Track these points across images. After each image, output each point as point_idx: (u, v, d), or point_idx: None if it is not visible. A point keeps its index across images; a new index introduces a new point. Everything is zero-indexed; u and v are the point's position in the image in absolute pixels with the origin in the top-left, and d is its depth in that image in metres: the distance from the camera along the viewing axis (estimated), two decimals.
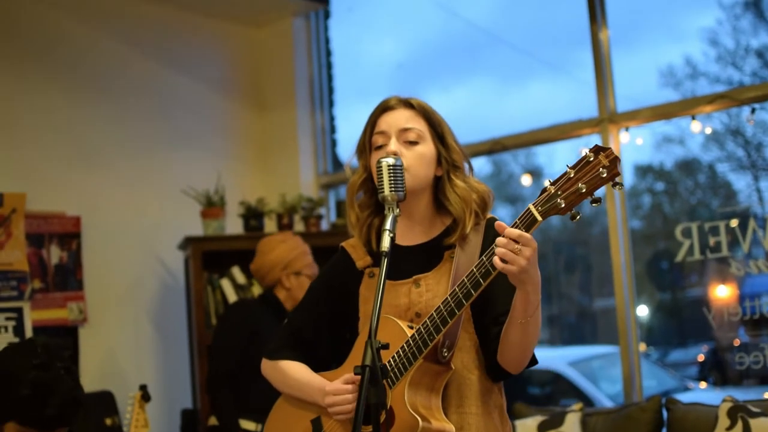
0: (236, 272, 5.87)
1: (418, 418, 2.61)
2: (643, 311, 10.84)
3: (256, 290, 5.84)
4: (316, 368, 2.98)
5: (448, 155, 2.90)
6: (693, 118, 5.40)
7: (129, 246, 6.09)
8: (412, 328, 2.71)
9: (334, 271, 3.08)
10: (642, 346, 10.74)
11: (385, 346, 2.40)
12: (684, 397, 5.27)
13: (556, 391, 9.30)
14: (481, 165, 6.23)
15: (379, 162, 2.68)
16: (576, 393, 8.91)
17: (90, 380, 5.80)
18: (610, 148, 2.36)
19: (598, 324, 10.62)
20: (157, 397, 5.92)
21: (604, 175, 2.34)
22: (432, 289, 2.79)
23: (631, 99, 5.70)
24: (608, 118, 5.59)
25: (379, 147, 2.87)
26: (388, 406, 2.68)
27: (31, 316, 5.58)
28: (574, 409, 5.33)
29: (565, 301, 13.19)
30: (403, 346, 2.68)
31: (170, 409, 6.06)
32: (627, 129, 5.59)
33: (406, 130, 2.86)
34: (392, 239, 2.56)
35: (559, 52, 8.27)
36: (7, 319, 5.48)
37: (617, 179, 2.35)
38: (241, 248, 5.87)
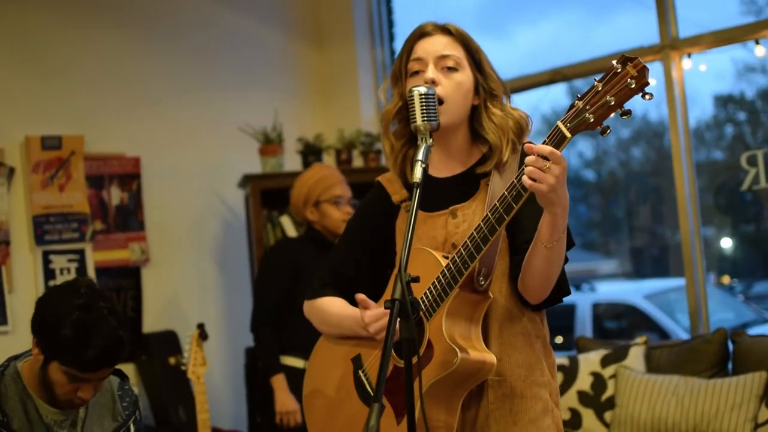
0: None
1: (456, 349, 2.54)
2: (726, 243, 10.65)
3: None
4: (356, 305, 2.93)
5: (486, 83, 2.80)
6: (757, 42, 5.21)
7: (189, 185, 6.09)
8: (447, 258, 2.64)
9: (371, 207, 3.02)
10: (725, 279, 10.59)
11: (415, 279, 2.32)
12: (760, 330, 5.14)
13: (631, 325, 9.21)
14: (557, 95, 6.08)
15: (410, 91, 2.60)
16: (652, 326, 8.81)
17: (153, 320, 5.85)
18: (637, 57, 2.26)
19: (680, 256, 10.46)
20: (221, 336, 5.97)
21: (633, 86, 2.25)
22: (469, 219, 2.71)
23: (694, 23, 5.51)
24: (669, 44, 5.42)
25: (415, 73, 2.78)
26: (427, 339, 2.63)
27: (93, 258, 5.65)
28: (638, 343, 5.25)
29: (645, 233, 13.01)
30: (438, 276, 2.61)
31: (234, 347, 6.09)
32: (689, 55, 5.41)
33: (444, 56, 2.76)
34: (425, 170, 2.49)
35: None
36: (70, 260, 5.55)
37: (646, 89, 2.25)
38: None
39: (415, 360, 2.30)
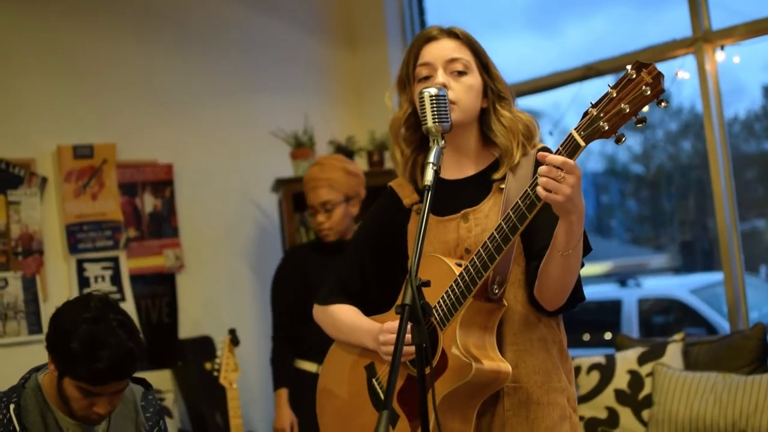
0: None
1: (471, 362, 2.52)
2: None
3: None
4: (370, 312, 2.91)
5: (494, 85, 2.78)
6: None
7: (222, 191, 6.09)
8: (460, 266, 2.61)
9: (382, 211, 3.00)
10: None
11: (426, 284, 2.29)
12: None
13: (677, 320, 9.11)
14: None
15: (421, 93, 2.58)
16: (698, 320, 8.70)
17: (189, 326, 5.86)
18: (652, 63, 2.23)
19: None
20: (256, 341, 5.95)
21: (648, 93, 2.21)
22: (481, 224, 2.68)
23: (727, 13, 5.41)
24: (702, 36, 5.32)
25: (425, 78, 2.76)
26: (441, 349, 2.60)
27: (128, 265, 5.67)
28: (676, 339, 5.18)
29: (695, 227, 12.88)
30: (452, 285, 2.59)
31: (269, 351, 6.06)
32: (722, 48, 5.32)
33: (453, 60, 2.74)
34: (436, 172, 2.46)
35: None
36: (104, 268, 5.57)
37: (662, 96, 2.21)
38: None
39: (428, 369, 2.27)
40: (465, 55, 2.75)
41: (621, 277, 10.46)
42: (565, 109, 6.24)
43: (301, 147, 5.86)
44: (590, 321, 8.73)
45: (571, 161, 2.30)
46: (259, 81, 6.35)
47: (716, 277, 9.97)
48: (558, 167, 2.30)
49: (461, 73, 2.72)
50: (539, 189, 2.33)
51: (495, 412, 2.67)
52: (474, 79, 2.74)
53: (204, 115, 6.09)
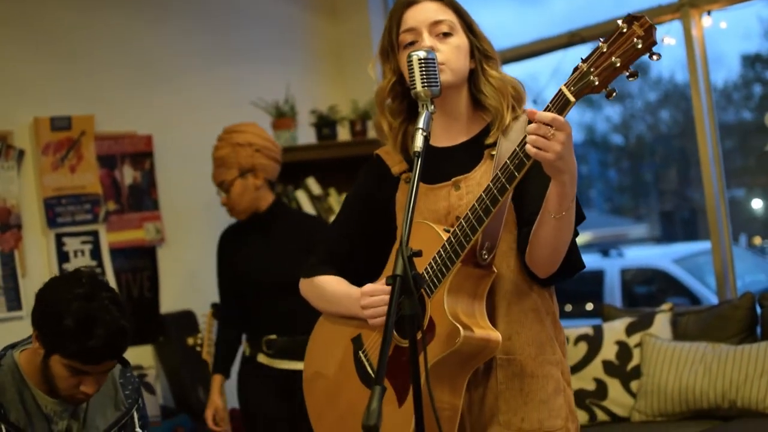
0: (311, 183, 5.75)
1: (459, 327, 2.44)
2: (757, 204, 10.53)
3: (333, 200, 5.72)
4: (357, 284, 2.81)
5: (480, 45, 2.70)
6: None
7: (203, 162, 5.94)
8: (448, 231, 2.54)
9: (369, 180, 2.91)
10: (757, 240, 10.47)
11: (417, 253, 2.23)
12: None
13: (660, 290, 9.12)
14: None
15: (409, 56, 2.49)
16: (681, 290, 8.71)
17: (170, 300, 5.78)
18: (644, 16, 2.16)
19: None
20: None
21: (639, 46, 2.14)
22: (473, 191, 2.60)
23: None
24: (689, 1, 5.26)
25: (410, 44, 2.67)
26: (428, 316, 2.53)
27: (108, 239, 5.58)
28: (664, 310, 5.14)
29: (675, 197, 12.89)
30: (439, 251, 2.52)
31: None
32: (709, 13, 5.26)
33: (437, 22, 2.66)
34: (426, 138, 2.39)
35: None
36: (83, 243, 5.48)
37: (654, 49, 2.16)
38: (314, 158, 5.76)
39: (419, 336, 2.21)
40: (449, 16, 2.67)
41: (603, 247, 10.47)
42: (548, 79, 6.19)
43: (282, 117, 5.77)
44: (572, 291, 8.72)
45: (560, 117, 2.24)
46: (240, 50, 6.25)
47: (698, 246, 10.03)
48: (547, 124, 2.24)
49: (447, 35, 2.65)
50: (528, 147, 2.27)
51: (488, 385, 2.61)
52: (460, 39, 2.66)
53: (184, 86, 5.99)
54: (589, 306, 8.99)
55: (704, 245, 9.29)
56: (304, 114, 5.93)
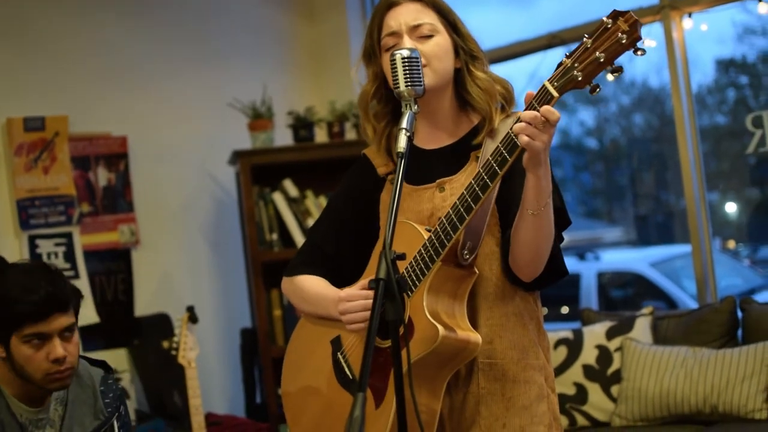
0: (288, 185, 5.68)
1: (439, 326, 2.41)
2: (731, 208, 10.55)
3: (310, 203, 5.66)
4: (341, 285, 2.77)
5: (465, 45, 2.67)
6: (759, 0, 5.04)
7: (178, 164, 5.93)
8: (429, 231, 2.51)
9: (355, 180, 2.88)
10: (731, 243, 10.49)
11: (401, 257, 2.18)
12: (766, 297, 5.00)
13: (636, 294, 9.11)
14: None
15: (392, 55, 2.46)
16: (658, 294, 8.70)
17: (145, 303, 5.71)
18: (629, 12, 2.15)
19: (685, 223, 10.40)
20: (215, 318, 5.84)
21: (624, 41, 2.14)
22: (457, 193, 2.54)
23: None
24: (669, 3, 5.23)
25: (392, 47, 2.63)
26: (407, 318, 2.48)
27: (82, 241, 5.50)
28: (645, 313, 5.11)
29: (649, 200, 12.90)
30: (419, 250, 2.49)
31: (229, 328, 5.95)
32: (690, 15, 5.24)
33: (418, 26, 2.62)
34: (409, 139, 2.35)
35: None
36: (57, 245, 5.41)
37: (639, 44, 2.15)
38: (292, 160, 5.70)
39: (401, 334, 2.17)
40: (429, 18, 2.64)
41: (578, 251, 10.46)
42: (525, 83, 6.16)
43: (259, 118, 5.70)
44: (548, 295, 8.63)
45: (550, 108, 2.23)
46: (216, 50, 6.17)
47: (674, 250, 10.02)
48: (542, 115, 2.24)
49: (428, 37, 2.61)
50: (522, 136, 2.24)
51: (469, 390, 2.58)
52: (442, 38, 2.63)
53: (159, 86, 5.91)
54: (565, 309, 8.97)
55: (680, 249, 9.32)
56: (281, 115, 5.86)
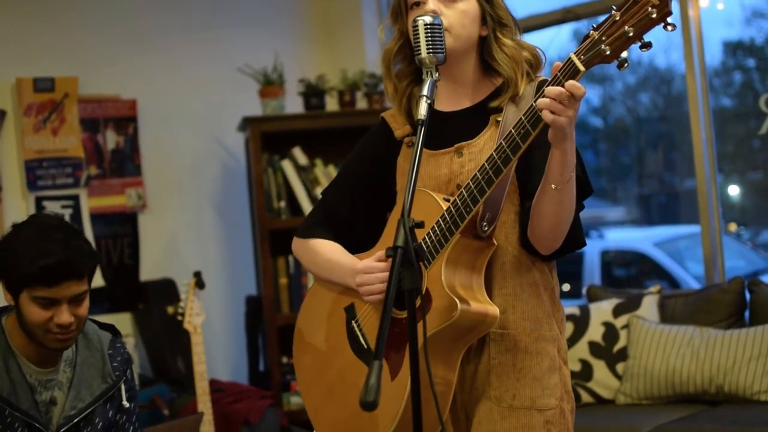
0: (297, 153, 5.66)
1: (456, 300, 2.38)
2: (734, 191, 10.52)
3: (319, 171, 5.64)
4: (354, 250, 2.75)
5: (493, 11, 2.59)
6: None
7: (187, 129, 5.90)
8: (448, 200, 2.47)
9: (372, 142, 2.82)
10: (732, 226, 10.47)
11: (420, 224, 2.14)
12: None
13: (640, 273, 9.08)
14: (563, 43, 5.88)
15: (414, 21, 2.41)
16: (662, 274, 8.68)
17: (151, 268, 5.70)
18: None
19: (690, 203, 10.35)
20: (221, 284, 5.83)
21: (654, 15, 2.07)
22: (475, 158, 2.52)
23: None
24: None
25: (416, 5, 2.57)
26: (424, 289, 2.45)
27: (88, 204, 5.48)
28: (652, 291, 5.09)
29: (654, 180, 12.87)
30: (438, 221, 2.45)
31: (234, 295, 5.94)
32: None
33: None
34: (430, 106, 2.32)
35: None
36: (64, 207, 5.39)
37: (669, 19, 2.09)
38: (302, 128, 5.69)
39: (418, 306, 2.14)
40: None
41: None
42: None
43: (270, 85, 5.67)
44: None
45: (576, 83, 2.19)
46: (228, 15, 6.13)
47: (679, 230, 9.99)
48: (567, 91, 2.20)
49: (455, 0, 2.55)
50: (546, 113, 2.20)
51: (480, 360, 2.55)
52: (468, 4, 2.56)
53: (170, 50, 5.88)
54: (566, 286, 8.95)
55: (684, 229, 9.30)
56: (292, 82, 5.82)
